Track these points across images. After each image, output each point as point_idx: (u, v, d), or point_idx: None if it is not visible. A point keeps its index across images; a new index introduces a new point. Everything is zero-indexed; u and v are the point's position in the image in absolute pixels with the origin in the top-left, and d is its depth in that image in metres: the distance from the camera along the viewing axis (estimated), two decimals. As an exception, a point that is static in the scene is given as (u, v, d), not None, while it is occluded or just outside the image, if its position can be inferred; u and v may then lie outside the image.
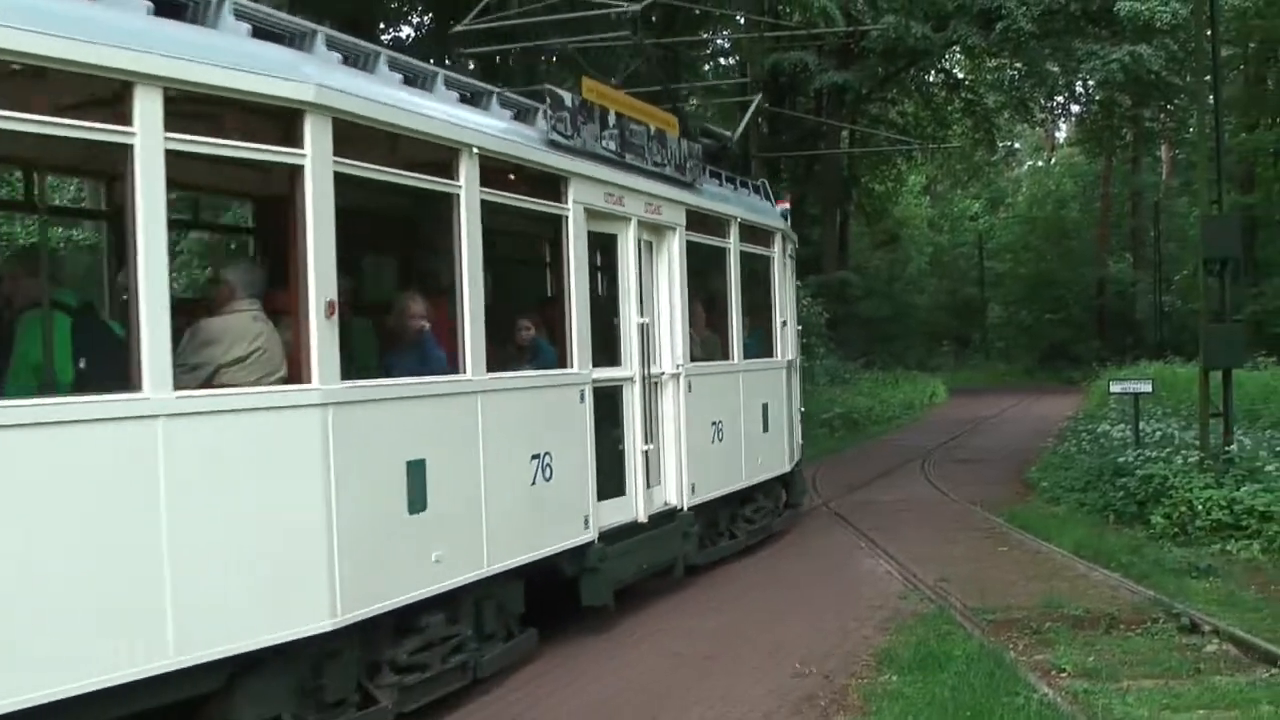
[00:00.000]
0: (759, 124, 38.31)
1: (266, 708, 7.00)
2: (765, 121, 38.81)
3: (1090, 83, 45.16)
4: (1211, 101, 16.98)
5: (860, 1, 34.97)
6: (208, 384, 7.00)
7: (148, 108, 6.19)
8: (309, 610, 7.03)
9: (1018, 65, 44.60)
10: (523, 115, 10.04)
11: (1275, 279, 36.63)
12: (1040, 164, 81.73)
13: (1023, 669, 8.97)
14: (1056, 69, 41.97)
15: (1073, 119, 57.03)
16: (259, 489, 6.77)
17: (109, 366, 6.49)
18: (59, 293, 6.90)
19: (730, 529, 14.35)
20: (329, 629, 7.14)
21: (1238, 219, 19.38)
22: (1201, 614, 10.50)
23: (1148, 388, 19.81)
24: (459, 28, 15.69)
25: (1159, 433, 19.19)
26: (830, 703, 8.49)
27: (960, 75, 51.08)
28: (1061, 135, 76.06)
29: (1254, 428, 18.89)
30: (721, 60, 45.44)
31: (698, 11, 33.08)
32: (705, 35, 38.79)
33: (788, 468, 16.18)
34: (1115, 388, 20.90)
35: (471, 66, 23.59)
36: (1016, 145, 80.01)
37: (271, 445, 6.93)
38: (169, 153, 6.27)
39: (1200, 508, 14.70)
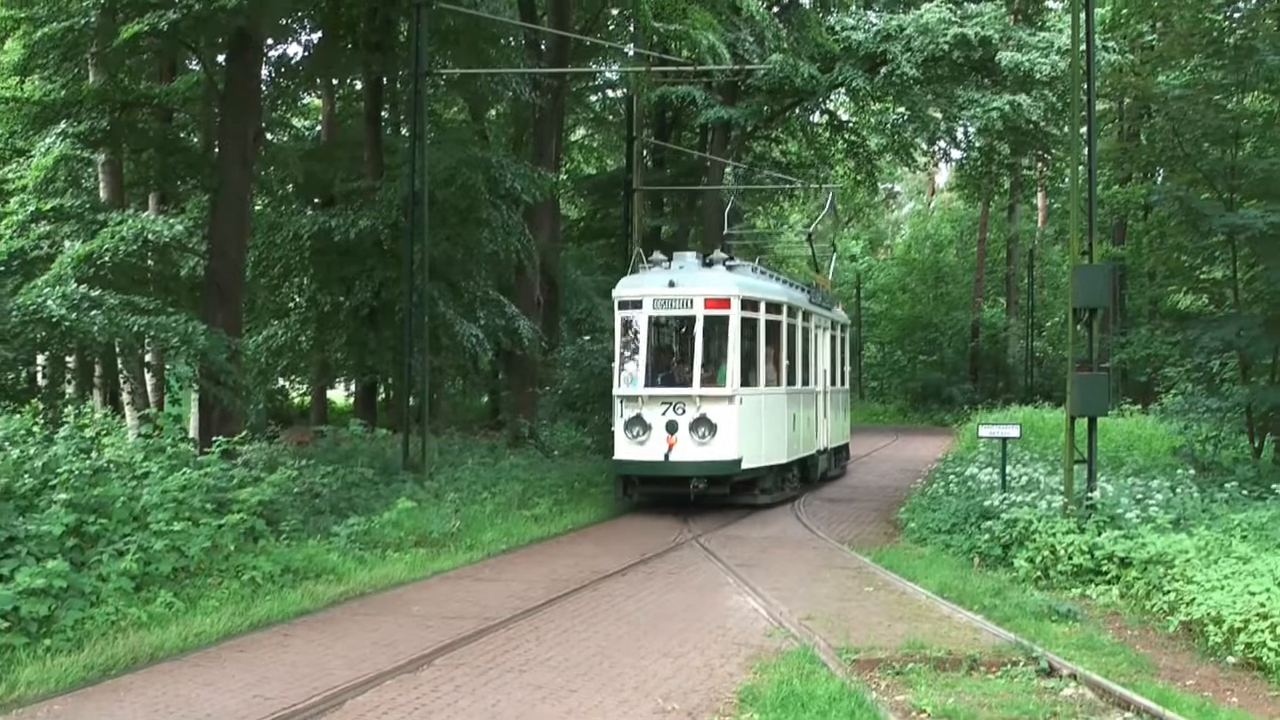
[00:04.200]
0: (644, 157, 38.44)
1: (768, 484, 23.17)
2: (650, 154, 38.91)
3: (971, 129, 45.96)
4: (1085, 153, 17.30)
5: (749, 40, 35.25)
6: (768, 385, 23.12)
7: (765, 306, 23.22)
8: (781, 455, 23.61)
9: (901, 109, 45.28)
10: (797, 288, 26.89)
11: (1142, 329, 37.45)
12: (920, 208, 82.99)
13: (884, 709, 8.97)
14: (939, 114, 42.68)
15: (953, 164, 57.88)
16: (773, 417, 23.34)
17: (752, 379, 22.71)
18: None
19: (833, 466, 29.58)
20: (784, 462, 23.81)
21: (1108, 269, 19.76)
22: (1060, 658, 10.63)
23: (1015, 433, 20.08)
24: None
25: (1025, 477, 19.48)
26: (690, 742, 8.42)
27: (844, 117, 51.63)
28: (942, 180, 77.34)
29: (1117, 474, 19.20)
30: (609, 93, 45.54)
31: (588, 43, 33.15)
32: (594, 67, 38.87)
33: (848, 440, 32.27)
34: (984, 432, 21.10)
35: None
36: (897, 188, 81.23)
37: (776, 405, 23.47)
38: (767, 322, 23.19)
39: (1062, 553, 14.96)
